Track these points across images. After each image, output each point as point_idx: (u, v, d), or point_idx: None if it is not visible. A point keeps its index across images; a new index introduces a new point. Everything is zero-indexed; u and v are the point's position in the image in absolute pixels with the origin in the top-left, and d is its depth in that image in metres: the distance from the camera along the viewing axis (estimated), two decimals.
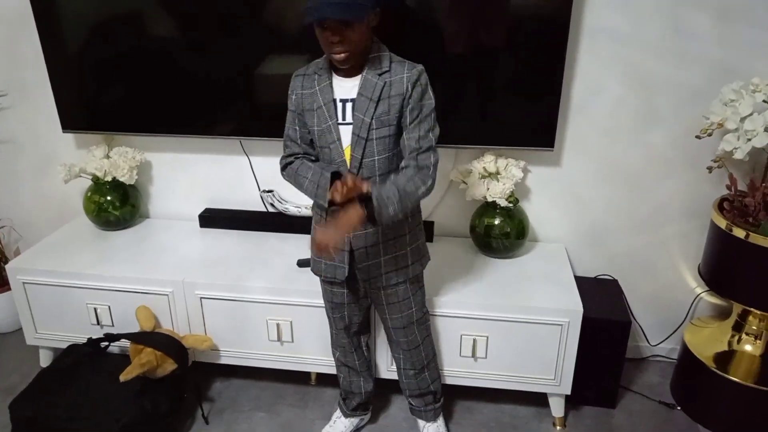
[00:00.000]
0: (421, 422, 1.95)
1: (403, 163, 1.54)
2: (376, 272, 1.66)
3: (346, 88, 1.54)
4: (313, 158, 1.63)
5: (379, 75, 1.51)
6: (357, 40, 1.44)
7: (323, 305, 1.82)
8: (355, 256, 1.64)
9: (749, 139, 1.69)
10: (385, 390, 2.10)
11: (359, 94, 1.52)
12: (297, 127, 1.62)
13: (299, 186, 1.62)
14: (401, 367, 1.87)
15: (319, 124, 1.56)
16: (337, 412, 2.01)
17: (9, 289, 2.46)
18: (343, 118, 1.55)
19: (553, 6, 1.83)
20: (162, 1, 2.01)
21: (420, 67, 1.53)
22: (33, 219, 2.55)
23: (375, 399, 2.04)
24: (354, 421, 1.99)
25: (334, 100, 1.55)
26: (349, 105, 1.54)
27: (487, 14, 1.89)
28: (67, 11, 2.07)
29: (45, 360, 2.28)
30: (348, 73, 1.54)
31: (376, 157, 1.55)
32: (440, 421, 1.95)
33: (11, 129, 2.40)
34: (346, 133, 1.55)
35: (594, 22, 1.93)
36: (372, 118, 1.51)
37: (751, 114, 1.70)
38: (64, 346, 2.14)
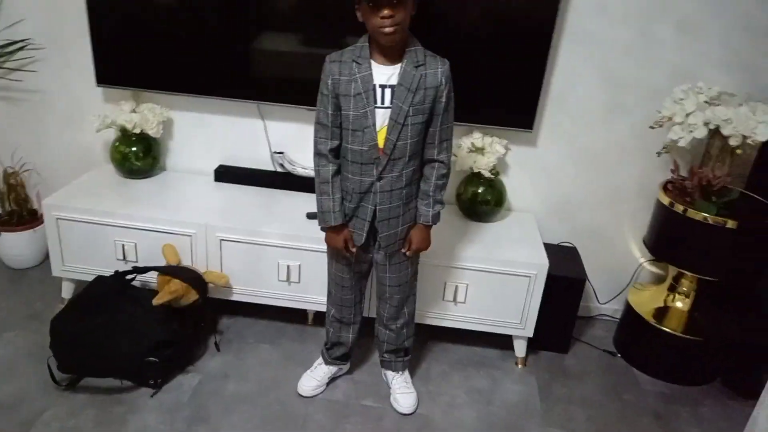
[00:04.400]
0: (390, 373, 2.19)
1: (430, 154, 1.82)
2: (394, 239, 1.89)
3: (384, 75, 1.72)
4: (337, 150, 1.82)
5: (416, 67, 1.70)
6: (403, 19, 1.63)
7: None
8: (377, 225, 1.85)
9: (691, 131, 2.08)
10: (361, 342, 2.32)
11: (399, 84, 1.70)
12: (330, 112, 1.75)
13: (318, 191, 1.84)
14: (385, 324, 2.09)
15: (356, 109, 1.72)
16: (319, 360, 2.22)
17: (30, 228, 2.69)
18: (382, 102, 1.73)
19: (542, 9, 2.18)
20: None
21: (447, 61, 1.76)
22: (56, 166, 2.76)
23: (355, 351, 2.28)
24: (333, 369, 2.20)
25: (374, 86, 1.72)
26: (387, 91, 1.72)
27: (485, 11, 2.22)
28: None
29: (67, 292, 2.51)
30: (386, 61, 1.72)
31: (409, 141, 1.75)
32: (407, 373, 2.20)
33: (44, 80, 2.61)
34: (380, 117, 1.73)
35: (575, 25, 2.28)
36: (410, 106, 1.71)
37: (694, 111, 2.08)
38: (88, 278, 2.37)
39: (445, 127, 1.81)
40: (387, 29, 1.63)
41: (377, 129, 1.74)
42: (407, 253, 1.94)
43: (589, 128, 2.44)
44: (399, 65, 1.72)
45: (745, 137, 2.03)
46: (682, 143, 2.11)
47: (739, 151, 2.08)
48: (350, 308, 2.10)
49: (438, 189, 1.87)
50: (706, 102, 2.10)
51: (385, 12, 1.61)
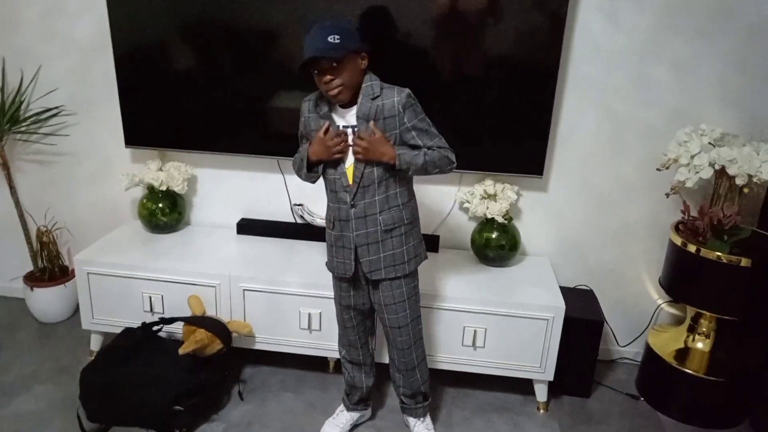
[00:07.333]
0: (411, 419, 2.19)
1: None
2: (377, 266, 1.94)
3: (346, 116, 1.84)
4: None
5: (372, 100, 1.80)
6: (347, 79, 1.75)
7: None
8: (359, 252, 1.93)
9: (698, 172, 2.14)
10: (383, 389, 2.38)
11: (357, 117, 1.81)
12: (300, 144, 1.96)
13: (295, 166, 1.95)
14: (396, 367, 2.12)
15: None
16: (341, 406, 2.25)
17: (61, 283, 2.80)
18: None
19: (546, 60, 2.29)
20: (221, 41, 2.44)
21: (407, 90, 1.81)
22: (85, 223, 2.89)
23: (374, 401, 2.32)
24: (355, 415, 2.23)
25: (337, 127, 1.84)
26: (349, 130, 1.83)
27: (492, 65, 2.33)
28: (138, 43, 2.49)
29: (96, 345, 2.58)
30: (346, 105, 1.84)
31: (375, 168, 1.84)
32: (428, 419, 2.21)
33: (76, 143, 2.77)
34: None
35: (575, 72, 2.38)
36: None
37: (699, 152, 2.15)
38: (116, 330, 2.45)
39: (427, 139, 1.85)
40: (331, 92, 1.77)
41: (346, 165, 1.86)
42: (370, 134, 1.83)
43: (595, 170, 2.51)
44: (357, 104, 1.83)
45: (750, 176, 2.08)
46: (689, 184, 2.16)
47: (746, 190, 2.13)
48: (357, 349, 2.15)
49: (432, 157, 1.84)
50: (710, 143, 2.17)
51: (327, 77, 1.74)
